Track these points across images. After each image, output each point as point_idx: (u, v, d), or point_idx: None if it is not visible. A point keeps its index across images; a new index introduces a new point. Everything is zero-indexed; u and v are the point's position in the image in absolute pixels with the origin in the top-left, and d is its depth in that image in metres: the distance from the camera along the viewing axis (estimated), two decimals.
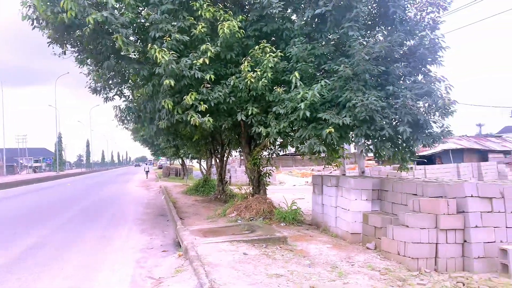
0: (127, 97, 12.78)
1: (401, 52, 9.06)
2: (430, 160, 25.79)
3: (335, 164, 12.45)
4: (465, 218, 6.49)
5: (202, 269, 6.06)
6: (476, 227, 6.43)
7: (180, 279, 6.07)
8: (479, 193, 6.54)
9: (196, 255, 6.93)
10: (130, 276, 6.55)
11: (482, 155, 26.76)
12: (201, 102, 9.21)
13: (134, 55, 10.98)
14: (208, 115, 9.31)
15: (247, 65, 8.99)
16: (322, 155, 11.00)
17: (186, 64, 9.04)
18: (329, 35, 9.10)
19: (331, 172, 27.96)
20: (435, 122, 8.58)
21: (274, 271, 6.10)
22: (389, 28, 9.24)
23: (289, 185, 28.78)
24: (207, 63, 9.08)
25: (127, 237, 9.90)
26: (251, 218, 10.57)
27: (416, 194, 7.61)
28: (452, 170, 23.29)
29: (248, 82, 8.94)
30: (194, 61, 9.08)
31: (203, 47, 9.10)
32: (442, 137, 9.30)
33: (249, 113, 9.62)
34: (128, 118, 12.78)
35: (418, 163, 23.77)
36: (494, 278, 5.91)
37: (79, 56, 11.27)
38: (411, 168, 22.11)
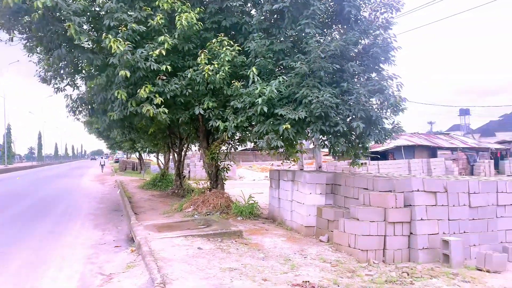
0: (79, 87, 12.31)
1: (356, 51, 9.30)
2: (383, 156, 26.77)
3: (292, 159, 12.63)
4: (412, 211, 6.80)
5: (154, 264, 5.97)
6: (421, 219, 6.76)
7: (131, 275, 5.96)
8: (424, 188, 6.88)
9: (149, 250, 6.82)
10: (79, 273, 6.34)
11: (432, 151, 28.13)
12: (157, 95, 9.02)
13: (88, 44, 10.57)
14: (163, 106, 9.12)
15: (204, 58, 8.90)
16: (280, 150, 11.12)
17: (142, 55, 8.82)
18: (287, 32, 9.18)
19: (289, 167, 28.34)
20: (386, 119, 8.92)
21: (227, 264, 6.12)
22: (345, 26, 9.46)
23: (249, 180, 28.90)
24: (164, 54, 8.90)
25: (79, 232, 9.56)
26: (208, 213, 10.53)
27: (367, 189, 7.88)
28: (403, 166, 24.31)
29: (206, 75, 8.86)
30: (150, 52, 8.86)
31: (161, 38, 8.90)
32: (393, 133, 9.68)
33: (206, 107, 9.54)
34: (80, 109, 12.31)
35: (372, 159, 24.60)
36: (436, 268, 6.25)
37: (27, 44, 10.70)
38: (365, 163, 22.90)
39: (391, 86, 8.40)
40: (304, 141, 14.70)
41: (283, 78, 8.51)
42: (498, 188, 7.40)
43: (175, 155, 18.24)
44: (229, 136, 10.03)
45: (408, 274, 5.87)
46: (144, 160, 37.06)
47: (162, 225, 9.19)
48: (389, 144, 26.61)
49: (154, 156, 29.79)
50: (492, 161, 28.40)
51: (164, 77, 9.22)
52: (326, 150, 11.41)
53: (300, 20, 8.52)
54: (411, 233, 6.82)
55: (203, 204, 11.04)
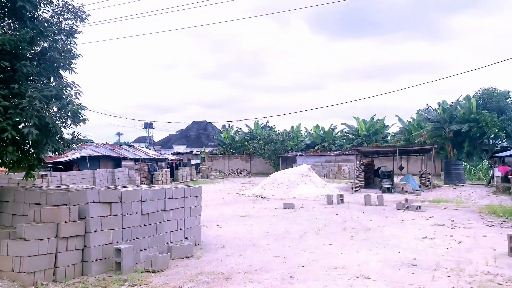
0: None
1: (33, 52, 8.47)
2: (68, 166, 25.40)
3: None
4: (87, 223, 6.69)
5: None
6: (96, 231, 6.76)
7: None
8: (100, 199, 6.93)
9: None
10: None
11: (117, 161, 29.01)
12: None
13: None
14: None
15: None
16: None
17: None
18: None
19: None
20: (65, 128, 8.51)
21: None
22: (18, 23, 8.41)
23: None
24: None
25: None
26: None
27: (40, 204, 7.21)
28: (88, 177, 23.85)
29: None
30: None
31: None
32: (73, 144, 9.35)
33: None
34: None
35: (55, 170, 22.90)
36: (108, 277, 6.39)
37: None
38: (46, 175, 21.00)
39: (70, 93, 8.10)
40: None
41: None
42: (166, 195, 8.38)
43: None
44: None
45: None
46: None
47: None
48: (74, 155, 25.52)
49: None
50: (169, 170, 32.17)
51: None
52: None
53: None
54: (85, 246, 6.70)
55: None
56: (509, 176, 18.71)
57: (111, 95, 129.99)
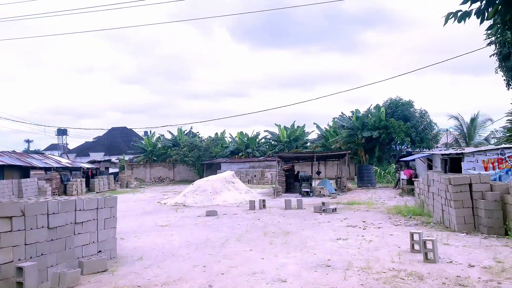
0: None
1: None
2: None
3: None
4: None
5: None
6: None
7: None
8: None
9: None
10: None
11: (25, 171, 26.59)
12: None
13: None
14: None
15: None
16: None
17: None
18: None
19: None
20: None
21: None
22: None
23: None
24: None
25: None
26: None
27: None
28: None
29: None
30: None
31: None
32: None
33: None
34: None
35: None
36: None
37: None
38: None
39: None
40: None
41: None
42: (77, 207, 7.83)
43: None
44: None
45: None
46: None
47: None
48: None
49: None
50: (84, 179, 30.20)
51: None
52: None
53: None
54: None
55: None
56: (413, 179, 20.54)
57: (19, 99, 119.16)
